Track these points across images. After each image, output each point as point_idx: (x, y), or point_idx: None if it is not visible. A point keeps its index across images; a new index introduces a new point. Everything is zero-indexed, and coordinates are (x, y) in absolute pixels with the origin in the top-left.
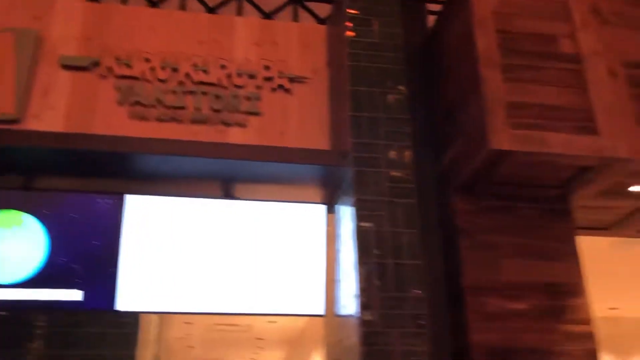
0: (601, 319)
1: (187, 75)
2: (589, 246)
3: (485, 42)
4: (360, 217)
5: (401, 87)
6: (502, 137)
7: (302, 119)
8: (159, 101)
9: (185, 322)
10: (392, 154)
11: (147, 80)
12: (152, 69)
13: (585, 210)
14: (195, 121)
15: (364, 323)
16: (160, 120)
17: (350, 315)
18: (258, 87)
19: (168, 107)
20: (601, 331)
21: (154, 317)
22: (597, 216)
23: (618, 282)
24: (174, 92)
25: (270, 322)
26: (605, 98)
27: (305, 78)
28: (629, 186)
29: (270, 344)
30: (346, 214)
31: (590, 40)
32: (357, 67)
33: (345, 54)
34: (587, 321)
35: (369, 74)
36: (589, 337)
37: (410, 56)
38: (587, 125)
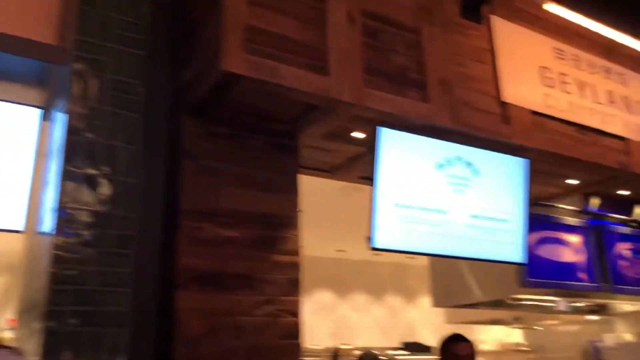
0: (329, 260)
1: None
2: (319, 190)
3: None
4: (74, 125)
5: None
6: (235, 60)
7: (24, 4)
8: None
9: None
10: (122, 61)
11: None
12: None
13: (311, 150)
14: None
15: (58, 242)
16: None
17: (47, 233)
18: None
19: None
20: (329, 271)
21: None
22: (321, 158)
23: (345, 226)
24: None
25: None
26: (340, 41)
27: None
28: (352, 131)
29: None
30: (60, 121)
31: None
32: None
33: None
34: (295, 252)
35: None
36: (295, 266)
37: None
38: (319, 64)
